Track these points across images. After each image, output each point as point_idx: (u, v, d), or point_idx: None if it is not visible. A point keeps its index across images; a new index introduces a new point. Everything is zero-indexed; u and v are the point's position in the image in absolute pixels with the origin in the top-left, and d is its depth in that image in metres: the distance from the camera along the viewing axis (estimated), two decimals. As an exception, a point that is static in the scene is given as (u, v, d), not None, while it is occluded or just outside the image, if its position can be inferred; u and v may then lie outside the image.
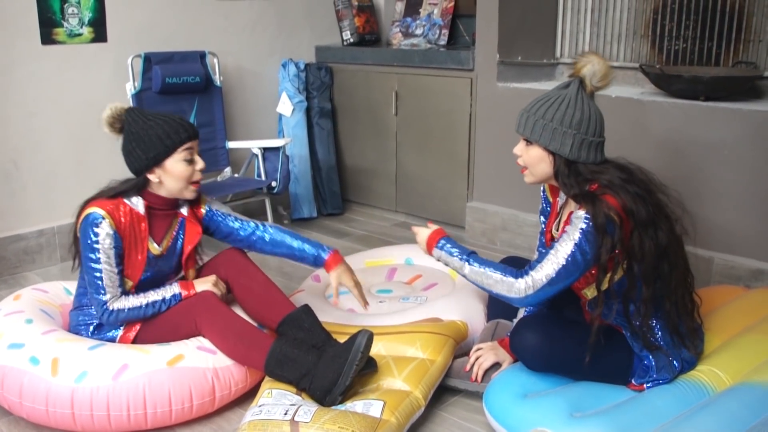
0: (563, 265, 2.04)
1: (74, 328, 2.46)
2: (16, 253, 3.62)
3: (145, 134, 2.31)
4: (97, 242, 2.27)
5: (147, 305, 2.38)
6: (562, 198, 2.29)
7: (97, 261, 2.29)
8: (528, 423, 2.06)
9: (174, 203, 2.46)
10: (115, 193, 2.35)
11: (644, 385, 2.20)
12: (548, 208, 2.38)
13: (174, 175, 2.35)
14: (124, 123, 2.36)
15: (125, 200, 2.36)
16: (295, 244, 2.58)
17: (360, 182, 4.74)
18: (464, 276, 2.22)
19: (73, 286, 2.69)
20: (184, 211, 2.50)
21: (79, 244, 2.37)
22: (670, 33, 3.58)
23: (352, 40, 4.71)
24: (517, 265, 2.64)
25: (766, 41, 3.31)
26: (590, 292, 2.17)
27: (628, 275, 2.09)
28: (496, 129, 3.84)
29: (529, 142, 2.16)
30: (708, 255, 3.16)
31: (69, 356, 2.23)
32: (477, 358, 2.41)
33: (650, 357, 2.18)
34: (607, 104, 3.37)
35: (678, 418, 2.05)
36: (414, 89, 4.27)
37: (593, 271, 2.10)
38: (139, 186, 2.37)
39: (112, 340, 2.41)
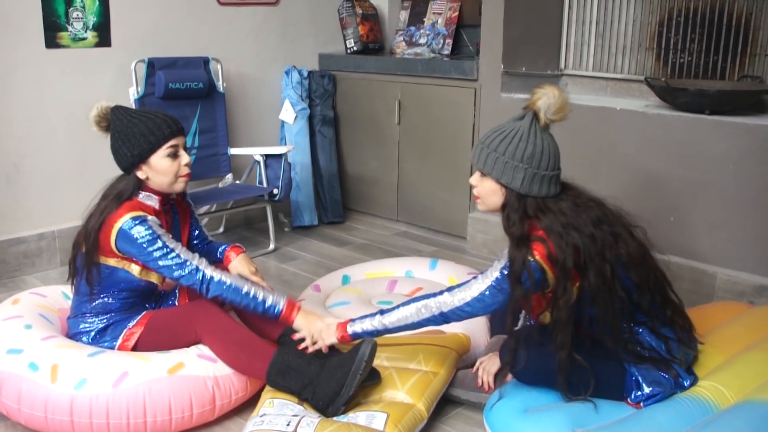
0: (483, 293, 2.10)
1: (73, 335, 2.45)
2: (16, 257, 3.61)
3: (130, 132, 2.32)
4: (153, 232, 2.27)
5: (248, 294, 2.33)
6: None
7: (165, 246, 2.28)
8: (529, 438, 2.05)
9: (168, 195, 2.48)
10: (127, 197, 2.34)
11: (641, 404, 2.16)
12: None
13: (160, 171, 2.35)
14: (110, 121, 2.38)
15: (140, 200, 2.36)
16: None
17: (361, 191, 4.73)
18: (388, 330, 2.22)
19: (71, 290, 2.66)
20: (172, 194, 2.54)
21: (96, 259, 2.33)
22: (676, 46, 3.57)
23: (355, 48, 4.71)
24: None
25: (772, 56, 3.31)
26: (546, 318, 2.15)
27: (581, 299, 2.09)
28: (500, 140, 3.82)
29: (483, 173, 2.14)
30: (711, 270, 3.15)
31: (69, 363, 2.22)
32: (482, 369, 2.39)
33: (636, 372, 2.16)
34: (611, 117, 3.38)
35: (682, 435, 2.03)
36: (417, 98, 4.26)
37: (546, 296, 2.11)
38: (135, 184, 2.36)
39: (111, 347, 2.39)
